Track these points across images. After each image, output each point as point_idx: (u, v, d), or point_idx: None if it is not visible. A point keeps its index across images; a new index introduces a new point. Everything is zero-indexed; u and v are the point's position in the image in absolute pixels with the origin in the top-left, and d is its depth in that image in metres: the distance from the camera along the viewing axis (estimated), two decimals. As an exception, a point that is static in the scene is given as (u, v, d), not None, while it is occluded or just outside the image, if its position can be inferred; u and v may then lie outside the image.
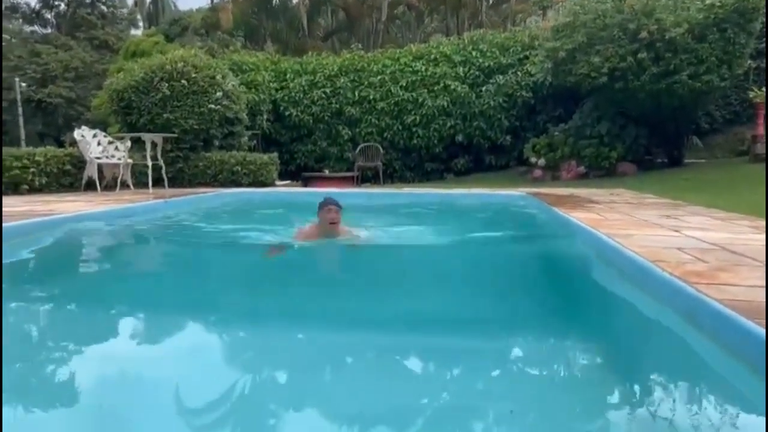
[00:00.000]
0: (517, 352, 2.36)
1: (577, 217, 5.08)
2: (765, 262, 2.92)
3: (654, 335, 2.46)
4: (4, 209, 6.10)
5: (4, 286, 3.15)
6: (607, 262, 3.43)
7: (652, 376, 2.07)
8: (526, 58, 13.39)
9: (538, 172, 12.01)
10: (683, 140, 12.37)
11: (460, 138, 13.59)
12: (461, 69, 13.73)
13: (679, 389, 1.99)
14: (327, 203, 4.47)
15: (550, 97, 13.16)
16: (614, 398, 1.92)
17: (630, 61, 10.11)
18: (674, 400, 1.89)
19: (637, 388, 1.99)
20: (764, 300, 2.18)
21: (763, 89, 10.99)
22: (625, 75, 10.30)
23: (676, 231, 4.21)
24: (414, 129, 13.73)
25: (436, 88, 13.63)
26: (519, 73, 13.38)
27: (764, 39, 10.97)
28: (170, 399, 1.85)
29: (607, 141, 11.52)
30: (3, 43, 29.36)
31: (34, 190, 8.59)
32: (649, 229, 4.31)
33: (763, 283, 2.47)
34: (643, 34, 9.96)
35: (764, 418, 1.48)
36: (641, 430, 1.67)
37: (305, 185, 12.78)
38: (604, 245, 3.65)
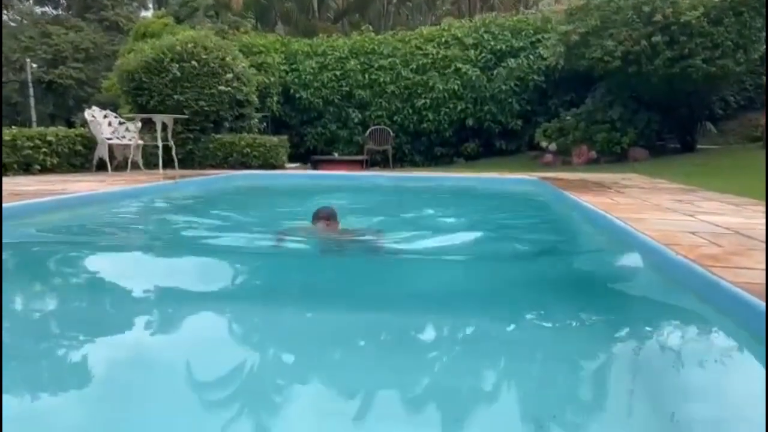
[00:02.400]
0: (532, 333, 2.35)
1: (589, 201, 5.05)
2: (765, 246, 2.89)
3: (667, 318, 2.44)
4: (17, 188, 6.14)
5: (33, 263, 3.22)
6: (621, 247, 3.41)
7: (665, 358, 2.06)
8: (539, 41, 13.24)
9: (548, 157, 11.93)
10: (696, 126, 12.24)
11: (470, 122, 13.51)
12: (472, 52, 13.61)
13: (693, 369, 1.98)
14: (320, 218, 4.11)
15: (562, 82, 13.03)
16: (627, 381, 1.91)
17: (644, 45, 9.99)
18: (688, 381, 1.88)
19: (649, 368, 1.98)
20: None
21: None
22: (639, 59, 10.18)
23: (690, 215, 4.18)
24: (424, 113, 13.66)
25: (447, 72, 13.53)
26: (531, 56, 13.25)
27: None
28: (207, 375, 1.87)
29: (619, 126, 11.42)
30: (14, 24, 29.38)
31: (45, 170, 8.63)
32: (662, 214, 4.28)
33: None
34: (658, 17, 9.82)
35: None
36: (655, 411, 1.66)
37: (315, 168, 12.77)
38: (617, 229, 3.63)
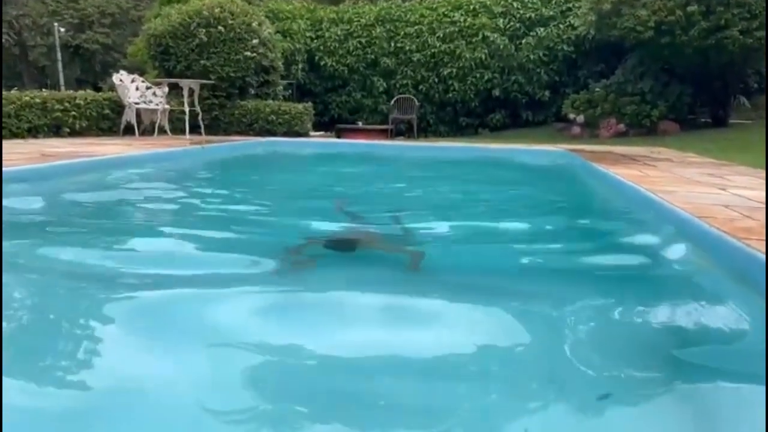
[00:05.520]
0: (565, 306, 2.34)
1: (618, 173, 4.99)
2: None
3: (701, 291, 2.42)
4: (49, 148, 6.25)
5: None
6: (653, 218, 3.37)
7: (700, 331, 2.05)
8: (569, 10, 12.94)
9: (576, 129, 11.76)
10: (730, 99, 11.94)
11: (497, 92, 13.33)
12: (501, 20, 13.35)
13: (727, 341, 1.96)
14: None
15: (593, 52, 12.75)
16: (661, 357, 1.88)
17: (678, 15, 9.70)
18: (721, 352, 1.87)
19: (684, 342, 1.97)
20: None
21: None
22: (673, 29, 9.90)
23: (722, 189, 4.11)
24: (450, 82, 13.50)
25: (474, 40, 13.31)
26: (561, 25, 12.97)
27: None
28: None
29: (650, 98, 11.18)
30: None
31: (74, 132, 8.74)
32: (693, 187, 4.22)
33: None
34: (695, -15, 9.52)
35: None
36: (689, 394, 1.64)
37: (339, 137, 12.75)
38: (648, 201, 3.58)
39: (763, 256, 2.15)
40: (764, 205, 3.38)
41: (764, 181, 4.67)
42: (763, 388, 1.42)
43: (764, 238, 2.47)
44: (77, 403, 1.48)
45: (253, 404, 1.49)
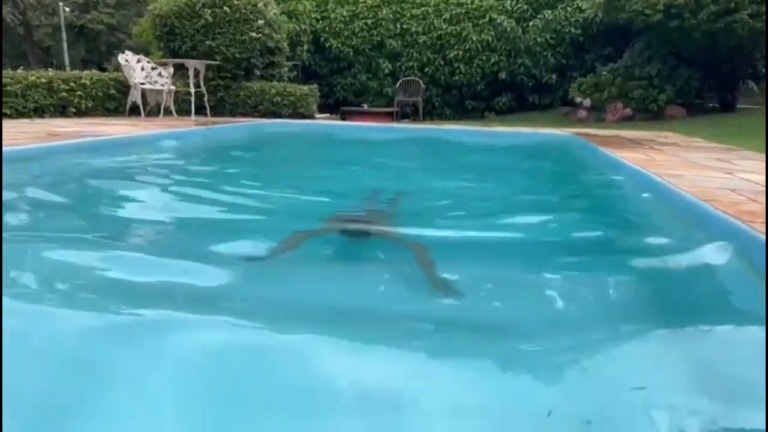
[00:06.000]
0: (568, 284, 2.36)
1: (625, 156, 4.98)
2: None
3: (705, 274, 2.43)
4: (56, 128, 6.26)
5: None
6: (658, 201, 3.38)
7: (704, 314, 2.06)
8: (577, -8, 12.82)
9: (582, 113, 11.70)
10: (738, 84, 11.84)
11: (503, 75, 13.25)
12: (508, 2, 13.24)
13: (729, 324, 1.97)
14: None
15: (600, 35, 12.65)
16: (662, 337, 1.89)
17: (688, -2, 9.60)
18: (724, 337, 1.88)
19: (688, 325, 1.98)
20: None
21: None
22: (681, 12, 9.80)
23: (728, 173, 4.10)
24: (456, 64, 13.42)
25: (480, 22, 13.21)
26: (568, 8, 12.84)
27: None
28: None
29: (657, 82, 11.11)
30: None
31: (80, 113, 8.75)
32: (699, 171, 4.21)
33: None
34: (705, -32, 9.41)
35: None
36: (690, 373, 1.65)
37: (343, 119, 12.72)
38: (653, 184, 3.58)
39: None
40: (770, 189, 3.37)
41: (771, 166, 4.65)
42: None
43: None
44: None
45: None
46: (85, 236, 2.68)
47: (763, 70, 12.68)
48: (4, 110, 7.69)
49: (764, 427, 1.09)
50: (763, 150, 5.86)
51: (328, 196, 4.02)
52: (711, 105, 11.78)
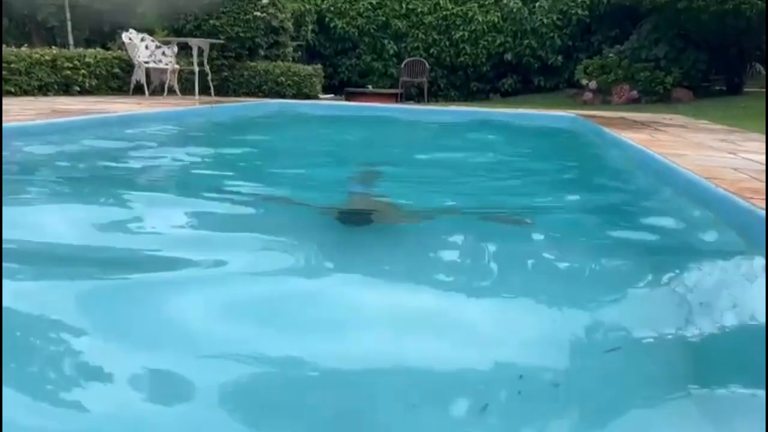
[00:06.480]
0: (577, 261, 2.36)
1: (628, 137, 4.96)
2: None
3: (707, 250, 2.44)
4: (60, 106, 6.27)
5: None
6: (659, 180, 3.38)
7: (702, 288, 2.07)
8: (585, -28, 12.67)
9: (588, 95, 11.63)
10: (746, 67, 11.74)
11: (509, 57, 13.15)
12: (515, -18, 13.11)
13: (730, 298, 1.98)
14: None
15: (607, 16, 12.52)
16: (665, 310, 1.89)
17: (697, -21, 9.49)
18: (725, 310, 1.88)
19: (689, 299, 1.99)
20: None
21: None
22: (690, -7, 9.69)
23: (732, 153, 4.10)
24: (461, 45, 13.32)
25: (487, 3, 13.08)
26: (576, -12, 12.71)
27: None
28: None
29: (664, 65, 11.01)
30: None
31: (84, 91, 8.75)
32: (703, 151, 4.20)
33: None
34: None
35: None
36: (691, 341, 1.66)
37: (348, 100, 12.67)
38: (655, 162, 3.58)
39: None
40: (773, 169, 3.37)
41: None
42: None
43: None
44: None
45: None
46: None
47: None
48: (8, 87, 7.69)
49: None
50: None
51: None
52: (718, 88, 11.68)
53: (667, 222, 2.78)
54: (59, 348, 1.47)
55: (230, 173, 3.84)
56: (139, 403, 1.24)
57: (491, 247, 2.37)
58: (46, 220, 2.46)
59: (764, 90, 11.67)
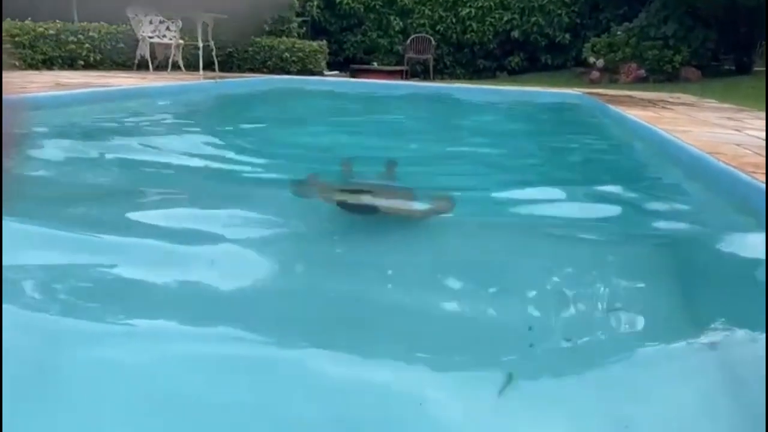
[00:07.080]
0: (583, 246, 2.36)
1: (633, 114, 4.94)
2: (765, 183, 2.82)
3: (707, 224, 2.43)
4: (64, 79, 6.27)
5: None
6: (663, 155, 3.37)
7: (704, 260, 2.07)
8: (594, -52, 12.48)
9: (595, 74, 11.52)
10: (756, 46, 11.59)
11: (516, 34, 13.02)
12: (523, -41, 12.93)
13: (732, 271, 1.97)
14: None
15: (616, -6, 12.37)
16: (666, 289, 1.88)
17: (708, -46, 9.34)
18: (727, 284, 1.88)
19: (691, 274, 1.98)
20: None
21: None
22: (701, -30, 9.55)
23: (737, 130, 4.07)
24: (468, 22, 13.19)
25: (494, -21, 12.94)
26: (585, -35, 12.55)
27: None
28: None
29: (672, 43, 10.89)
30: None
31: (88, 66, 8.74)
32: (707, 128, 4.18)
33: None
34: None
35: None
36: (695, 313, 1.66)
37: (353, 77, 12.60)
38: (659, 138, 3.57)
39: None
40: (777, 145, 3.35)
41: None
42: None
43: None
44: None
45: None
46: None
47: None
48: (12, 61, 7.68)
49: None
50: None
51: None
52: (727, 67, 11.55)
53: (667, 194, 2.77)
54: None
55: (232, 152, 3.82)
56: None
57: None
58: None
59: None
